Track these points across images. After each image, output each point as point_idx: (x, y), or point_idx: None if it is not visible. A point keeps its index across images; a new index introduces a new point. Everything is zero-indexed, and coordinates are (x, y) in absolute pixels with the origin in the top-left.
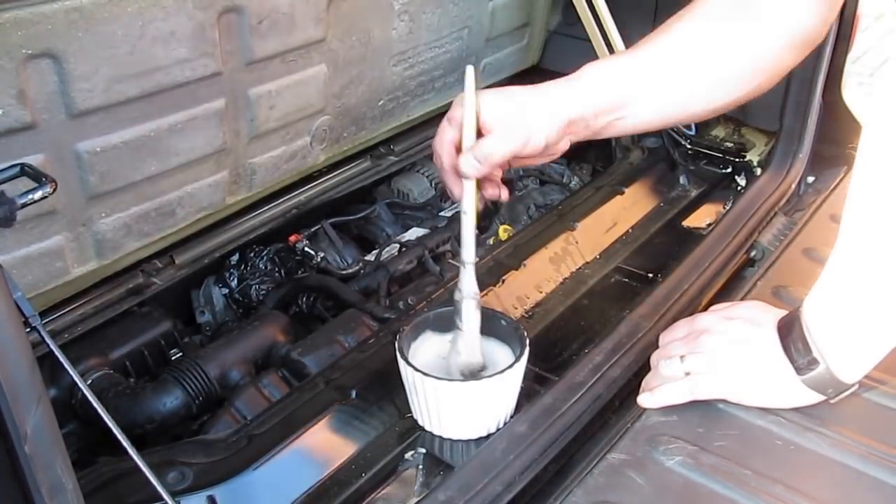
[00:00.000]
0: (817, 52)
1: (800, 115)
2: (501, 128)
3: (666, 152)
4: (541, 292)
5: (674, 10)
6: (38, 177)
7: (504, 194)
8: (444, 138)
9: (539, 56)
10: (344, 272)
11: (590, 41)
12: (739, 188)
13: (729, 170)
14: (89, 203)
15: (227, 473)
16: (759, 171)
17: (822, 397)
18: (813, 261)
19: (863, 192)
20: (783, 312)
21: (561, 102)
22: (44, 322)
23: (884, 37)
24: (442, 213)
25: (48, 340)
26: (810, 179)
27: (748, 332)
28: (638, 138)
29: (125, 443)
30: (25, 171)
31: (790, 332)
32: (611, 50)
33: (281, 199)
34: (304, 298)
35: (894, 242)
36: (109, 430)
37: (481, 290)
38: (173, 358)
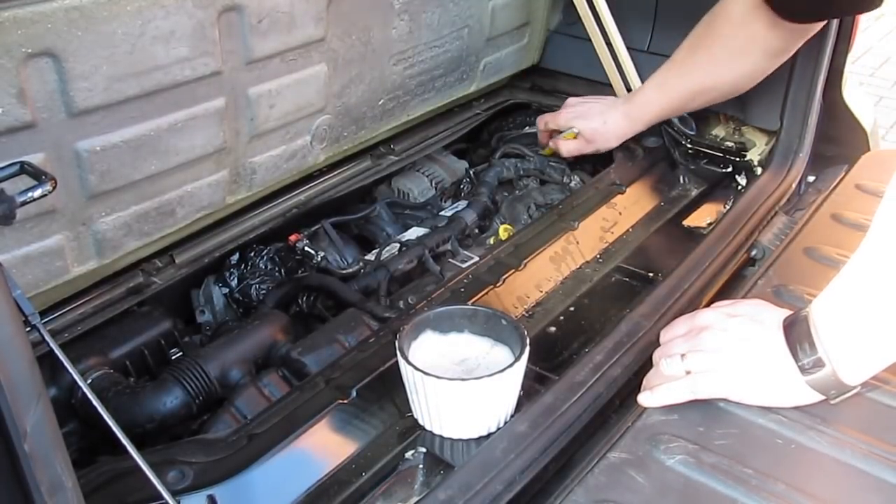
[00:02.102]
0: (817, 52)
1: (800, 115)
2: (581, 139)
3: (666, 152)
4: (541, 292)
5: (674, 10)
6: (38, 175)
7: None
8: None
9: (539, 56)
10: (344, 272)
11: (590, 41)
12: (740, 187)
13: (729, 169)
14: (89, 202)
15: (228, 473)
16: (759, 170)
17: (823, 397)
18: (814, 260)
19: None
20: (786, 311)
21: (624, 126)
22: (44, 321)
23: (884, 37)
24: (442, 213)
25: (48, 339)
26: (811, 179)
27: (751, 330)
28: (638, 138)
29: (125, 442)
30: (25, 168)
31: (796, 332)
32: (611, 49)
33: (281, 199)
34: (305, 298)
35: None
36: (109, 429)
37: (481, 289)
38: (173, 357)
